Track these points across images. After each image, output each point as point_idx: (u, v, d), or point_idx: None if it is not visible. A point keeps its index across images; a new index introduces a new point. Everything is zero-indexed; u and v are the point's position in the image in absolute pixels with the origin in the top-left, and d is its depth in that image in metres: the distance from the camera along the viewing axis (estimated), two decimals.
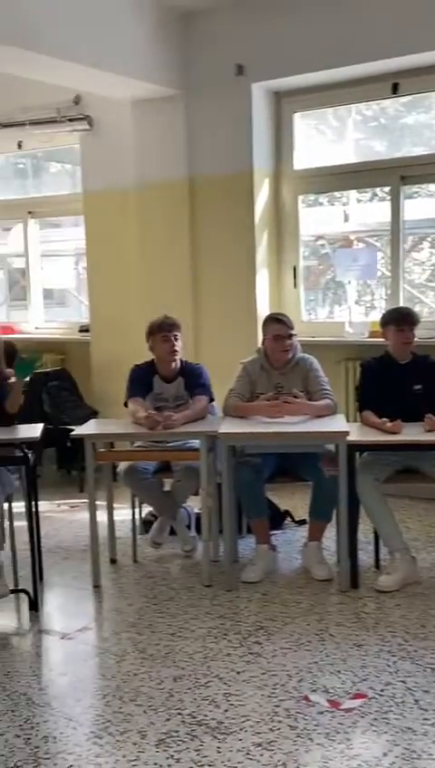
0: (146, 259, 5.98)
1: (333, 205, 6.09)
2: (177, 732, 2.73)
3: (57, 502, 5.58)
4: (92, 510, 4.03)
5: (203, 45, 5.55)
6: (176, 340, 4.27)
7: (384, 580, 3.84)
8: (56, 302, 7.74)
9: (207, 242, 5.76)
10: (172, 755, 2.60)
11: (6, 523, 3.97)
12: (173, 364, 4.31)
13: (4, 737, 2.73)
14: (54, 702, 2.98)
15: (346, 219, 6.01)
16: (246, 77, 5.41)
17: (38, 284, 7.09)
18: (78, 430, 4.18)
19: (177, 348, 4.27)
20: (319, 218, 6.05)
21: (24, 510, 3.97)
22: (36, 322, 7.05)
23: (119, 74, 5.16)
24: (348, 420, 4.42)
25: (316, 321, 5.99)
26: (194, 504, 4.57)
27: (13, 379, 4.04)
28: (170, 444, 4.22)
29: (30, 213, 6.89)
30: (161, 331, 4.26)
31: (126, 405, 4.32)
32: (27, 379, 4.65)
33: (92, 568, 4.07)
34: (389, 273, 5.55)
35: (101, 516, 4.14)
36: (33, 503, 3.90)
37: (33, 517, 3.89)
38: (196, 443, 4.05)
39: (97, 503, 4.03)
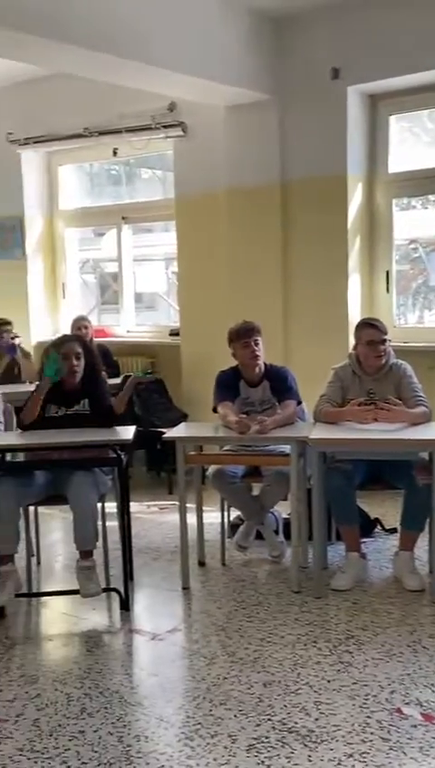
0: (236, 263, 6.00)
1: (426, 208, 5.98)
2: (267, 738, 2.73)
3: (146, 503, 5.65)
4: (182, 512, 4.07)
5: (297, 49, 5.54)
6: (256, 344, 4.27)
7: None
8: (146, 305, 7.86)
9: (299, 246, 5.75)
10: (263, 761, 2.59)
11: (99, 523, 4.04)
12: (256, 369, 4.31)
13: (97, 734, 2.78)
14: (146, 701, 3.01)
15: None
16: (341, 80, 5.37)
17: (130, 289, 7.21)
18: (170, 433, 4.23)
19: (258, 353, 4.28)
20: (413, 222, 5.95)
21: (115, 510, 4.04)
22: (128, 326, 7.17)
23: (213, 81, 5.20)
24: None
25: (408, 327, 5.89)
26: (282, 509, 4.55)
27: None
28: (260, 448, 4.22)
29: (124, 218, 7.01)
30: (240, 337, 4.27)
31: (215, 410, 4.34)
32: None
33: (182, 570, 4.10)
34: None
35: (190, 519, 4.17)
36: (125, 503, 3.95)
37: (124, 518, 3.95)
38: (286, 448, 4.04)
39: (186, 505, 4.06)
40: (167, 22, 4.83)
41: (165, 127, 6.15)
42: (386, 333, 4.18)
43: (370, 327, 4.19)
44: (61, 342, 4.18)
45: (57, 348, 4.14)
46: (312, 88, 5.49)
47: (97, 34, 4.42)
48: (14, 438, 4.02)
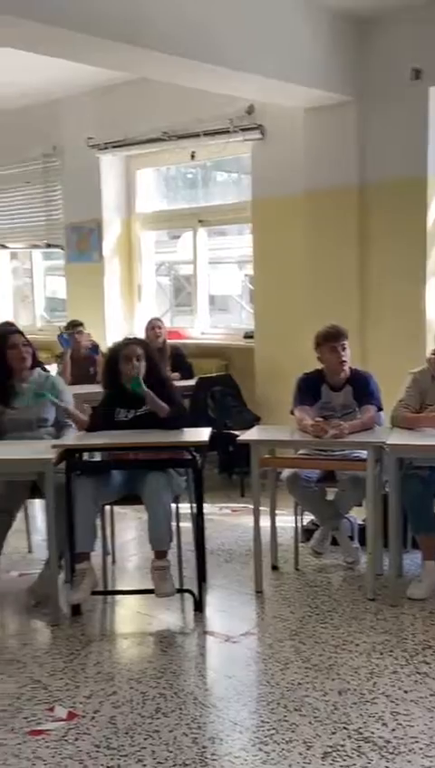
0: (313, 266, 5.96)
1: None
2: (343, 746, 2.69)
3: (218, 505, 5.65)
4: (256, 515, 4.06)
5: (378, 51, 5.47)
6: (344, 349, 4.23)
7: None
8: (218, 308, 7.89)
9: (377, 249, 5.67)
10: None
11: (173, 524, 4.06)
12: (342, 373, 4.27)
13: (172, 734, 2.79)
14: (220, 704, 3.02)
15: None
16: (422, 81, 5.28)
17: (204, 291, 7.24)
18: (245, 435, 4.22)
19: (345, 358, 4.23)
20: None
21: (188, 512, 4.06)
22: (202, 328, 7.20)
23: (293, 83, 5.18)
24: None
25: None
26: (357, 515, 4.50)
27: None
28: (336, 453, 4.18)
29: (200, 221, 7.05)
30: (328, 341, 4.23)
31: (292, 413, 4.32)
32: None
33: (255, 573, 4.09)
34: None
35: (264, 522, 4.15)
36: (200, 505, 3.96)
37: (199, 519, 3.96)
38: (362, 453, 4.00)
39: (260, 508, 4.05)
40: (245, 24, 4.82)
41: (243, 130, 6.16)
42: None
43: None
44: (123, 345, 4.19)
45: (119, 350, 4.14)
46: (392, 89, 5.42)
47: (176, 39, 4.45)
48: (92, 439, 4.08)
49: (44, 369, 4.78)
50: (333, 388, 4.31)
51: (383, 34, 5.44)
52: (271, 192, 6.17)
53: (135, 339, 4.37)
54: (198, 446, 3.92)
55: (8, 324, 6.69)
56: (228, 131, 6.24)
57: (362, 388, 4.28)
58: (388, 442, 3.82)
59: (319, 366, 4.36)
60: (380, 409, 4.27)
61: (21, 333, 4.46)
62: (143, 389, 3.97)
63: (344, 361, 4.24)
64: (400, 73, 5.35)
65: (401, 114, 5.41)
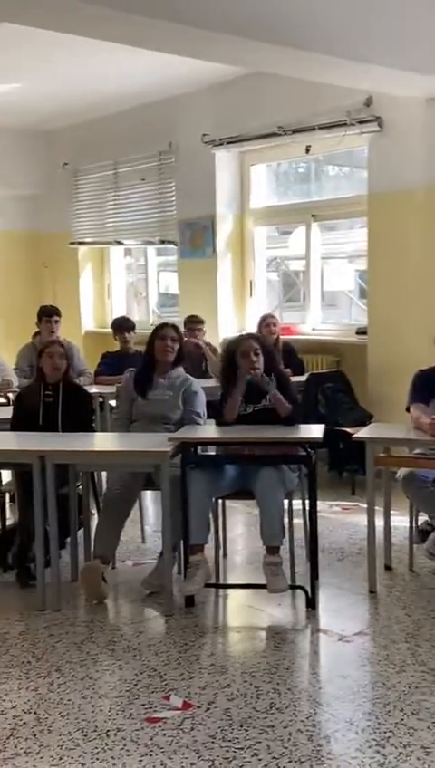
0: (429, 262, 5.81)
1: None
2: None
3: (329, 502, 5.60)
4: (371, 514, 4.01)
5: None
6: None
7: None
8: (328, 303, 7.79)
9: None
10: None
11: (285, 520, 4.05)
12: None
13: (287, 730, 2.79)
14: (334, 703, 2.99)
15: None
16: None
17: (316, 286, 7.18)
18: (360, 433, 4.16)
19: None
20: None
21: (299, 508, 4.04)
22: (313, 324, 7.15)
23: (415, 72, 5.05)
24: None
25: None
26: None
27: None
28: None
29: (313, 216, 6.99)
30: None
31: (408, 410, 4.23)
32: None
33: (369, 573, 4.04)
34: None
35: (377, 521, 4.08)
36: (313, 502, 3.92)
37: (312, 516, 3.93)
38: None
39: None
40: (359, 11, 4.71)
41: (360, 122, 6.06)
42: None
43: None
44: (241, 340, 4.20)
45: (235, 345, 4.16)
46: None
47: (288, 30, 4.40)
48: (204, 433, 4.11)
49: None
50: None
51: None
52: (389, 186, 6.04)
53: (252, 334, 4.39)
54: (312, 443, 3.89)
55: (124, 319, 6.86)
56: (345, 124, 6.15)
57: None
58: None
59: None
60: None
61: (175, 328, 4.49)
62: (273, 387, 3.97)
63: None
64: None
65: None
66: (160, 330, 4.45)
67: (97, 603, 3.95)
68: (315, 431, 4.01)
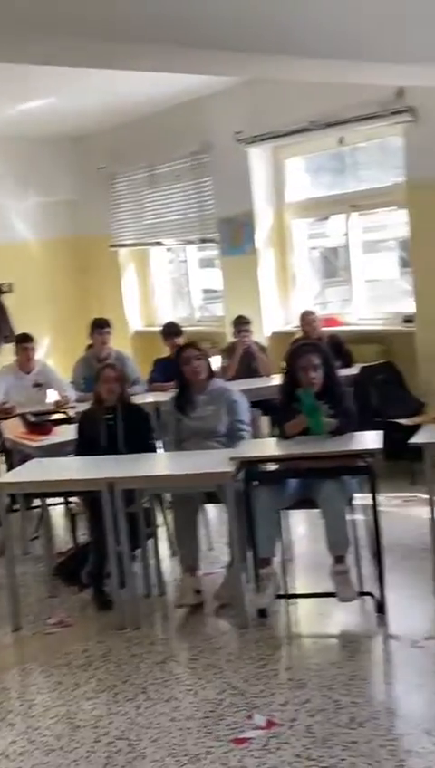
0: None
1: None
2: None
3: (388, 494, 5.65)
4: (433, 514, 4.06)
5: None
6: None
7: None
8: (375, 292, 7.75)
9: None
10: None
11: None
12: None
13: (369, 746, 2.90)
14: (414, 714, 3.10)
15: None
16: None
17: (360, 276, 7.19)
18: (416, 438, 4.22)
19: None
20: None
21: (360, 506, 4.10)
22: (359, 314, 7.17)
23: None
24: None
25: None
26: None
27: None
28: None
29: (352, 206, 6.99)
30: None
31: None
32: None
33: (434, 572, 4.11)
34: None
35: None
36: (376, 510, 3.99)
37: (375, 522, 4.01)
38: None
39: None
40: (393, 13, 4.68)
41: (393, 113, 6.04)
42: None
43: None
44: (300, 354, 4.26)
45: (295, 357, 4.22)
46: None
47: (314, 41, 4.38)
48: (266, 449, 4.22)
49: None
50: None
51: None
52: (427, 173, 6.01)
53: (311, 344, 4.44)
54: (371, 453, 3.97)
55: (172, 326, 6.96)
56: (377, 116, 6.13)
57: None
58: None
59: None
60: None
61: (196, 347, 4.61)
62: (316, 420, 4.05)
63: None
64: None
65: None
66: (182, 353, 4.55)
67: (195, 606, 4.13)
68: (373, 440, 4.08)
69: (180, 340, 6.73)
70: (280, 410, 4.30)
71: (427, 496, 4.13)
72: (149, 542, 4.44)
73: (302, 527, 5.16)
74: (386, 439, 6.01)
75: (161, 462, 4.47)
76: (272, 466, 4.22)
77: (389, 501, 5.54)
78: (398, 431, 5.78)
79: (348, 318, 7.22)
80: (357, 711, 3.13)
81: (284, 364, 4.42)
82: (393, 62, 4.77)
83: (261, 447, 4.30)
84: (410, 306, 6.58)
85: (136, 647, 3.85)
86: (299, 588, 4.37)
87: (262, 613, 4.00)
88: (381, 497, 5.33)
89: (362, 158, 7.30)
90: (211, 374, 4.60)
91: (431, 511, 4.07)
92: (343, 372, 6.03)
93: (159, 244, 8.71)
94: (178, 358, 4.59)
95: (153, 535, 4.50)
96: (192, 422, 4.51)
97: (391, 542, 4.71)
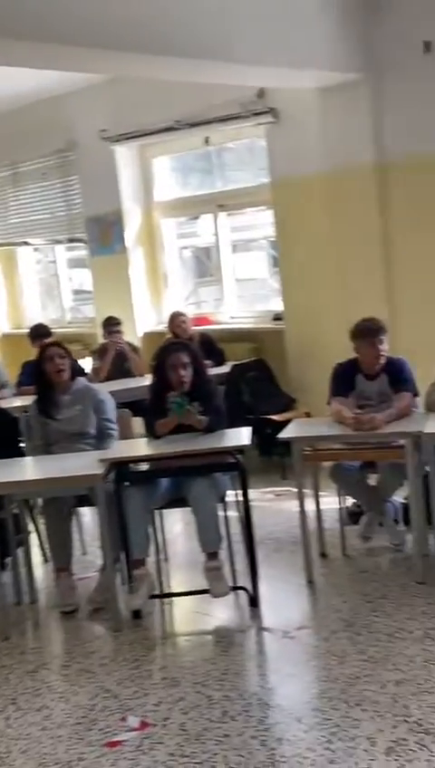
0: (337, 245, 5.98)
1: None
2: (405, 740, 2.81)
3: (261, 490, 5.75)
4: (302, 507, 4.16)
5: (387, 26, 5.41)
6: (382, 344, 4.27)
7: None
8: (248, 291, 7.86)
9: (399, 226, 5.68)
10: (403, 765, 2.68)
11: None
12: (378, 366, 4.32)
13: (241, 738, 2.93)
14: (284, 703, 3.15)
15: None
16: (433, 54, 5.22)
17: (230, 275, 7.27)
18: (285, 433, 4.30)
19: (383, 352, 4.27)
20: None
21: (233, 502, 4.13)
22: (230, 312, 7.25)
23: (304, 68, 5.15)
24: None
25: None
26: (399, 495, 4.57)
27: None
28: (375, 441, 4.24)
29: (219, 206, 7.06)
30: (367, 336, 4.27)
31: (329, 403, 4.39)
32: None
33: (305, 564, 4.20)
34: None
35: (308, 505, 4.22)
36: (247, 505, 4.04)
37: (247, 518, 4.05)
38: (401, 440, 4.06)
39: (304, 497, 4.13)
40: (248, 16, 4.77)
41: (255, 114, 6.14)
42: None
43: None
44: (169, 352, 4.26)
45: (165, 358, 4.22)
46: (405, 64, 5.38)
47: (177, 41, 4.44)
48: (136, 449, 4.19)
49: (82, 373, 4.89)
50: (368, 377, 4.36)
51: (392, 10, 5.37)
52: (289, 173, 6.16)
53: (180, 343, 4.45)
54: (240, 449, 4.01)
55: (40, 327, 6.81)
56: (240, 116, 6.21)
57: (397, 375, 4.32)
58: (425, 431, 3.89)
59: (352, 345, 4.37)
60: (415, 395, 4.33)
61: (59, 345, 4.54)
62: (183, 415, 4.07)
63: (382, 356, 4.28)
64: (411, 48, 5.29)
65: (416, 89, 5.37)
66: (45, 352, 4.47)
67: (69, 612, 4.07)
68: (242, 436, 4.12)
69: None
70: (150, 410, 4.28)
71: (296, 490, 4.22)
72: (20, 550, 4.32)
73: (178, 526, 5.17)
74: (259, 435, 6.21)
75: (29, 466, 4.36)
76: (143, 466, 4.19)
77: (262, 496, 5.66)
78: (269, 427, 5.92)
79: (220, 317, 7.29)
80: (230, 705, 3.16)
81: (153, 363, 4.40)
82: (254, 64, 4.86)
83: (131, 448, 4.27)
84: (279, 304, 6.71)
85: (5, 657, 3.74)
86: (174, 587, 4.37)
87: (136, 614, 3.98)
88: (254, 492, 5.44)
89: (230, 159, 7.39)
90: (75, 374, 4.52)
91: (300, 504, 4.17)
92: (216, 371, 6.13)
93: (25, 243, 8.53)
94: (40, 357, 4.48)
95: (24, 542, 4.39)
96: (60, 424, 4.42)
97: (264, 536, 4.82)
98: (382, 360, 4.30)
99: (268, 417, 6.00)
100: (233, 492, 4.14)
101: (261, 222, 7.06)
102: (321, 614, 3.89)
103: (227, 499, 4.15)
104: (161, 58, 4.45)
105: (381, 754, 2.75)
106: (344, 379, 4.38)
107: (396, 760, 2.72)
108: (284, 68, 5.01)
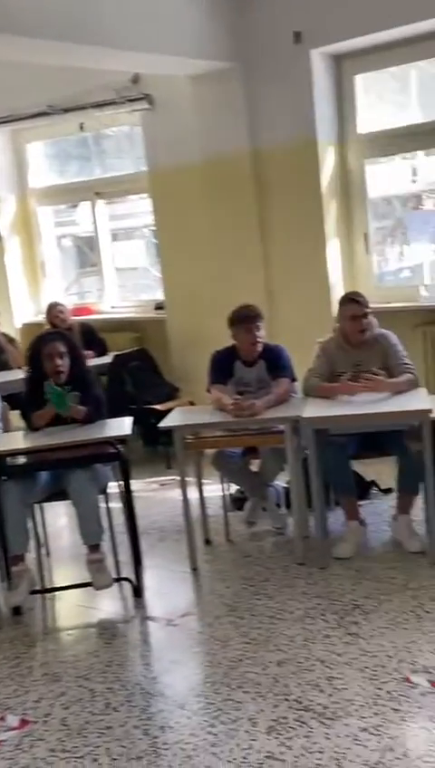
0: (216, 233, 6.00)
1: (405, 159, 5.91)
2: (285, 718, 2.87)
3: (146, 480, 5.74)
4: (185, 496, 4.17)
5: (258, 16, 5.45)
6: (258, 330, 4.31)
7: None
8: (130, 281, 7.82)
9: (276, 213, 5.75)
10: (283, 743, 2.74)
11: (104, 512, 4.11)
12: (255, 352, 4.36)
13: (124, 728, 2.92)
14: (167, 691, 3.16)
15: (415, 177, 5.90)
16: (303, 44, 5.31)
17: (110, 264, 7.19)
18: (166, 421, 4.29)
19: (259, 338, 4.32)
20: (389, 177, 5.94)
21: (117, 490, 4.10)
22: (111, 302, 7.17)
23: (176, 55, 5.13)
24: (430, 391, 4.40)
25: (389, 287, 5.92)
26: (281, 480, 4.66)
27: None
28: (255, 427, 4.29)
29: (97, 194, 6.96)
30: (244, 322, 4.31)
31: (208, 391, 4.41)
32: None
33: (189, 551, 4.21)
34: None
35: (191, 493, 4.25)
36: (129, 496, 4.02)
37: (129, 510, 4.03)
38: (281, 425, 4.13)
39: (187, 486, 4.14)
40: (127, 2, 4.73)
41: (130, 100, 6.08)
42: (368, 307, 4.24)
43: (351, 302, 4.25)
44: (44, 342, 4.18)
45: (40, 347, 4.14)
46: (275, 53, 5.44)
47: (47, 23, 4.34)
48: (13, 442, 4.09)
49: None
50: (246, 363, 4.41)
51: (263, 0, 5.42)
52: (166, 161, 6.14)
53: (56, 333, 4.37)
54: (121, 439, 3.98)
55: None
56: (115, 102, 6.14)
57: (275, 362, 4.38)
58: (303, 416, 3.96)
59: (231, 333, 4.40)
60: (293, 380, 4.41)
61: None
62: (64, 406, 4.00)
63: (259, 342, 4.32)
64: (281, 37, 5.36)
65: (287, 78, 5.45)
66: None
67: None
68: (123, 426, 4.09)
69: None
70: (26, 401, 4.19)
71: (180, 478, 4.22)
72: None
73: (62, 519, 5.09)
74: (143, 426, 6.19)
75: None
76: (20, 460, 4.09)
77: (147, 486, 5.65)
78: (153, 417, 5.90)
79: (101, 307, 7.20)
80: (112, 696, 3.14)
81: (28, 353, 4.30)
82: (126, 48, 4.80)
83: (8, 441, 4.15)
84: (161, 294, 6.69)
85: None
86: (57, 581, 4.29)
87: (17, 611, 3.89)
88: (138, 483, 5.42)
89: (109, 146, 7.30)
90: None
91: (183, 492, 4.17)
92: (97, 361, 6.06)
93: None
94: None
95: None
96: None
97: (148, 525, 4.81)
98: (260, 347, 4.35)
99: (151, 406, 5.98)
100: (115, 483, 4.11)
101: (141, 210, 7.02)
102: (205, 600, 3.91)
103: (109, 490, 4.12)
104: (32, 40, 4.33)
105: (262, 734, 2.80)
106: (223, 367, 4.41)
107: (277, 738, 2.77)
108: (154, 54, 4.97)
